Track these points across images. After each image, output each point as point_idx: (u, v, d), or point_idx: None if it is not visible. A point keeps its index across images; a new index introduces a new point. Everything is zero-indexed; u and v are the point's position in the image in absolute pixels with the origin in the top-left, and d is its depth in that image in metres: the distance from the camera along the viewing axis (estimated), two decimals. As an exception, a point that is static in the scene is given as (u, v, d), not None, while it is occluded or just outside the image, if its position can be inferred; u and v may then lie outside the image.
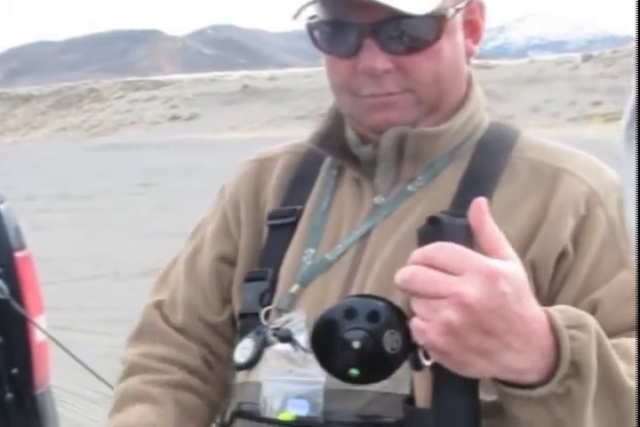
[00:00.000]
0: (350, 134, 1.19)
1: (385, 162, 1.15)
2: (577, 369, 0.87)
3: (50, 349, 2.69)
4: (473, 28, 1.17)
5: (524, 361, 0.84)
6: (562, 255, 1.08)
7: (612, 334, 1.01)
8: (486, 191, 1.11)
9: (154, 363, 1.24)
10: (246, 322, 1.18)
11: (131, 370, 1.25)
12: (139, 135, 35.65)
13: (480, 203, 0.85)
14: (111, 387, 2.67)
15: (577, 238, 1.08)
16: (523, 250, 1.07)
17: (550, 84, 32.13)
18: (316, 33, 1.14)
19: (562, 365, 0.86)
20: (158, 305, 1.29)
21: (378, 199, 1.16)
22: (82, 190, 15.91)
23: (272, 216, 1.23)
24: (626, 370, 0.93)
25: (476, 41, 1.18)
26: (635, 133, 0.62)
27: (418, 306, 0.82)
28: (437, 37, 1.10)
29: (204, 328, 1.25)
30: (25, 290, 2.49)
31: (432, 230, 0.86)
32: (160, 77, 55.93)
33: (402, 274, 0.82)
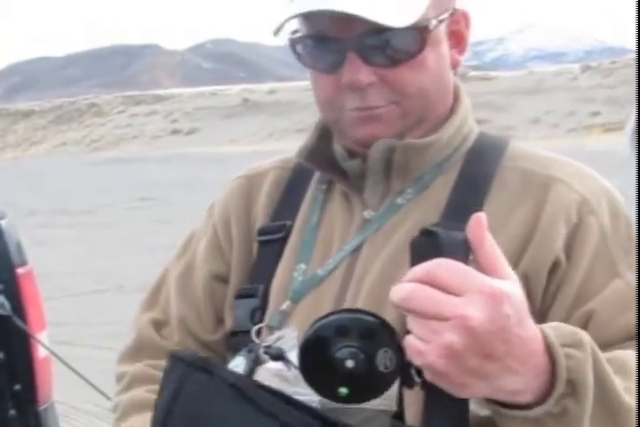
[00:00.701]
0: (338, 148, 1.18)
1: (373, 175, 1.14)
2: (573, 388, 0.86)
3: (52, 364, 2.69)
4: (458, 39, 1.16)
5: (520, 382, 0.83)
6: (554, 265, 1.07)
7: (607, 345, 1.00)
8: (476, 202, 1.10)
9: (155, 372, 1.22)
10: (238, 340, 1.17)
11: (133, 381, 1.24)
12: (140, 149, 35.67)
13: (479, 217, 0.83)
14: (110, 399, 2.67)
15: (569, 248, 1.07)
16: (515, 260, 1.06)
17: (549, 95, 32.17)
18: (299, 48, 1.13)
19: (558, 384, 0.85)
20: (154, 322, 1.27)
21: (367, 213, 1.15)
22: (83, 205, 15.91)
23: (262, 232, 1.21)
24: (622, 385, 0.92)
25: (461, 51, 1.17)
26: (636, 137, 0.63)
27: (416, 326, 0.79)
28: (421, 49, 1.08)
29: (198, 347, 1.23)
30: (27, 306, 2.49)
31: (426, 243, 0.83)
32: (160, 92, 56.06)
33: (399, 291, 0.79)
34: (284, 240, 1.19)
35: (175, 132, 40.22)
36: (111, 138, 41.69)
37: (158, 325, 1.27)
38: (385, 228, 1.13)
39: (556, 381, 0.84)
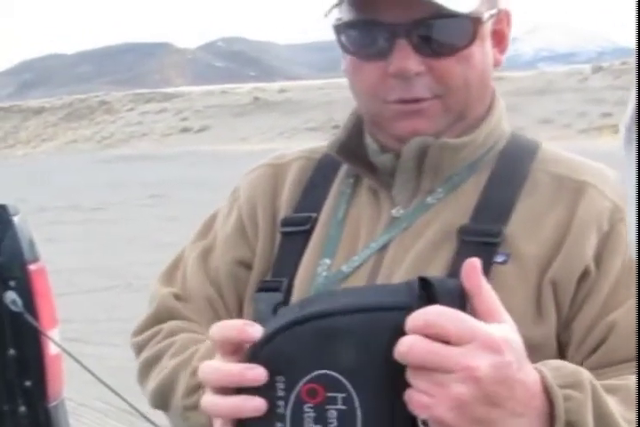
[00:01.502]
0: (370, 142, 1.16)
1: (405, 173, 1.12)
2: None
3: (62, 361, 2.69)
4: (500, 38, 1.15)
5: (524, 424, 0.81)
6: (584, 274, 1.05)
7: (623, 360, 1.00)
8: (507, 204, 1.09)
9: (196, 328, 1.19)
10: None
11: (174, 331, 1.19)
12: (150, 147, 35.73)
13: (474, 264, 0.81)
14: (123, 399, 2.68)
15: (600, 256, 1.05)
16: (544, 267, 1.05)
17: (560, 96, 32.08)
18: (344, 34, 1.10)
19: (557, 426, 0.83)
20: (175, 295, 1.24)
21: (396, 211, 1.13)
22: (93, 202, 15.94)
23: (286, 223, 1.19)
24: (625, 417, 0.90)
25: (502, 51, 1.16)
26: (634, 136, 0.62)
27: (419, 379, 0.77)
28: (471, 41, 1.07)
29: None
30: (39, 303, 2.49)
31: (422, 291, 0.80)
32: (171, 90, 56.09)
33: (399, 346, 0.77)
34: (308, 233, 1.16)
35: (185, 130, 40.24)
36: (121, 135, 41.75)
37: (179, 298, 1.24)
38: (414, 227, 1.11)
39: (555, 423, 0.83)
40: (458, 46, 1.07)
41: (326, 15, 1.07)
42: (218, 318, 1.20)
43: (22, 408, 2.52)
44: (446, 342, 0.76)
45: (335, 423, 0.78)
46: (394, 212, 1.13)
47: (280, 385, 0.78)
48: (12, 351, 2.48)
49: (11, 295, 2.41)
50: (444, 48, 1.07)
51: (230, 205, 1.28)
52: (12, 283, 2.46)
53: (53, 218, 13.57)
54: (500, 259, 1.05)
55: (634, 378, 0.97)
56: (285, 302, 1.14)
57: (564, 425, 0.84)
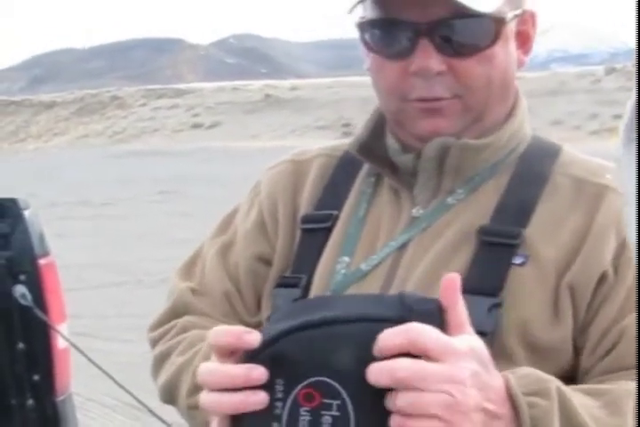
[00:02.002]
0: (391, 142, 1.16)
1: (425, 172, 1.13)
2: None
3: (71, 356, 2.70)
4: (524, 39, 1.15)
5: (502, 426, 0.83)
6: (602, 279, 1.05)
7: (632, 366, 1.00)
8: (527, 206, 1.09)
9: (209, 323, 1.19)
10: None
11: (186, 328, 1.21)
12: (161, 143, 35.78)
13: (453, 279, 0.82)
14: (130, 393, 2.68)
15: (618, 262, 1.05)
16: (562, 271, 1.05)
17: (572, 97, 31.99)
18: (367, 33, 1.11)
19: None
20: (192, 290, 1.25)
21: (416, 211, 1.14)
22: (103, 197, 15.98)
23: (306, 220, 1.20)
24: (604, 422, 0.91)
25: (526, 52, 1.16)
26: (634, 136, 0.62)
27: (406, 401, 0.77)
28: (494, 42, 1.07)
29: (236, 324, 1.21)
30: (48, 297, 2.49)
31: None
32: (182, 86, 56.15)
33: (393, 371, 0.77)
34: (328, 230, 1.17)
35: (196, 126, 40.28)
36: (133, 131, 41.81)
37: (196, 293, 1.25)
38: (433, 227, 1.12)
39: None
40: (480, 46, 1.07)
41: (350, 12, 1.08)
42: (235, 312, 1.22)
43: (30, 402, 2.52)
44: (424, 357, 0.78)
45: None
46: (414, 211, 1.14)
47: (279, 387, 0.80)
48: (20, 345, 2.49)
49: (20, 289, 2.41)
50: (466, 48, 1.07)
51: (251, 200, 1.28)
52: (21, 277, 2.47)
53: (63, 213, 13.60)
54: (518, 261, 1.06)
55: (627, 384, 0.98)
56: (303, 298, 1.15)
57: None
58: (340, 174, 1.22)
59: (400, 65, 1.09)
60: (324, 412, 0.80)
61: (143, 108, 46.18)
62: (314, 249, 1.17)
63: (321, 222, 1.18)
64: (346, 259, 1.14)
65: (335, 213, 1.18)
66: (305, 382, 0.80)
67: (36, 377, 2.52)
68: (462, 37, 1.06)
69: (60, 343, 2.54)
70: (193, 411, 1.12)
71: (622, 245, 1.05)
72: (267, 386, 0.80)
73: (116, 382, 2.48)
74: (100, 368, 2.35)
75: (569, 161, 1.15)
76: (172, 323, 1.23)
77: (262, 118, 38.60)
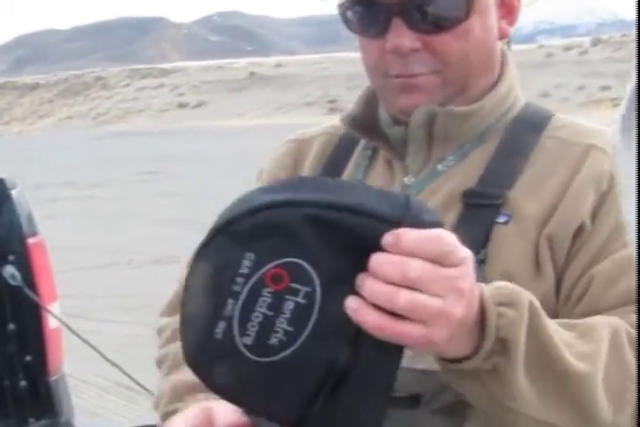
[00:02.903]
0: (383, 115, 1.20)
1: (415, 142, 1.15)
2: (503, 346, 0.86)
3: (62, 336, 2.68)
4: (508, 9, 1.16)
5: (461, 336, 0.82)
6: (579, 229, 1.07)
7: (608, 308, 1.02)
8: (515, 170, 1.11)
9: None
10: None
11: (176, 334, 1.24)
12: (146, 123, 35.66)
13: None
14: (124, 372, 2.67)
15: (595, 214, 1.08)
16: (542, 225, 1.08)
17: (559, 69, 32.00)
18: (348, 14, 1.14)
19: (486, 342, 0.84)
20: None
21: (408, 179, 1.16)
22: (90, 179, 15.93)
23: None
24: (578, 350, 0.92)
25: (511, 22, 1.17)
26: (634, 124, 0.61)
27: (409, 300, 0.74)
28: (467, 16, 1.09)
29: None
30: (38, 277, 2.48)
31: None
32: (167, 65, 55.91)
33: (406, 268, 0.74)
34: None
35: (182, 105, 40.16)
36: (117, 111, 41.66)
37: None
38: (423, 194, 1.14)
39: (485, 338, 0.84)
40: (452, 22, 1.09)
41: None
42: None
43: (23, 383, 2.51)
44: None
45: (288, 315, 0.75)
46: (406, 180, 1.16)
47: (246, 263, 0.75)
48: (11, 326, 2.48)
49: (9, 270, 2.39)
50: (439, 24, 1.09)
51: (255, 183, 1.31)
52: (10, 257, 2.45)
53: (51, 195, 13.55)
54: (502, 219, 1.08)
55: (603, 318, 0.99)
56: None
57: (495, 342, 0.85)
58: (340, 151, 1.26)
59: (378, 44, 1.12)
60: (288, 296, 0.74)
61: (127, 88, 45.98)
62: None
63: None
64: None
65: None
66: (277, 262, 0.74)
67: (27, 358, 2.50)
68: (434, 14, 1.08)
69: (51, 323, 2.53)
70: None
71: (601, 198, 1.08)
72: (234, 257, 0.74)
73: (110, 361, 2.46)
74: (94, 348, 2.34)
75: (559, 125, 1.17)
76: (166, 323, 1.27)
77: (248, 96, 38.50)
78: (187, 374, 1.16)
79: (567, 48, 36.75)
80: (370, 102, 1.21)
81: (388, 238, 0.74)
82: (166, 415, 1.13)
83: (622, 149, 0.61)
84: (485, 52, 1.14)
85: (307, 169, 1.26)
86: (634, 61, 0.62)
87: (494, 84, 1.17)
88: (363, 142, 1.24)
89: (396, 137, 1.17)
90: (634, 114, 0.60)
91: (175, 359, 1.20)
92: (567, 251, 1.07)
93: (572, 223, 1.07)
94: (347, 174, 1.22)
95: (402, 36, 1.09)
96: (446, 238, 0.77)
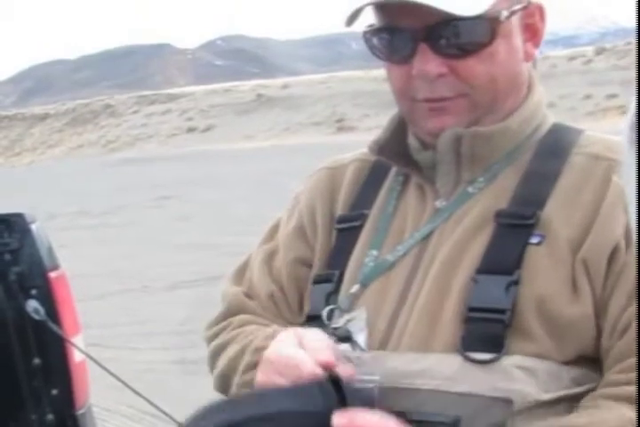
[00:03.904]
0: (412, 141, 1.21)
1: (444, 165, 1.17)
2: None
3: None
4: (532, 32, 1.17)
5: None
6: (614, 252, 1.07)
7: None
8: (544, 190, 1.12)
9: (263, 320, 1.26)
10: (313, 324, 1.19)
11: (241, 324, 1.26)
12: (156, 149, 35.80)
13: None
14: (148, 401, 2.66)
15: (629, 235, 1.07)
16: (576, 248, 1.08)
17: (564, 80, 32.00)
18: (373, 40, 1.16)
19: None
20: (244, 293, 1.31)
21: (439, 203, 1.18)
22: (102, 206, 15.98)
23: (341, 220, 1.26)
24: None
25: (535, 44, 1.19)
26: (635, 137, 0.61)
27: None
28: (491, 40, 1.10)
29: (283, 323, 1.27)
30: (61, 310, 2.48)
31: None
32: (174, 90, 56.20)
33: None
34: (360, 228, 1.22)
35: (191, 130, 40.33)
36: (127, 138, 41.86)
37: (248, 296, 1.30)
38: (455, 216, 1.16)
39: None
40: (477, 46, 1.11)
41: (348, 24, 1.13)
42: (279, 311, 1.28)
43: (50, 417, 2.51)
44: None
45: None
46: (437, 203, 1.18)
47: None
48: (37, 360, 2.48)
49: (33, 304, 2.40)
50: (464, 49, 1.11)
51: (292, 209, 1.34)
52: (33, 292, 2.46)
53: (64, 224, 13.59)
54: (535, 240, 1.09)
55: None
56: (336, 291, 1.20)
57: None
58: (373, 176, 1.28)
59: (404, 69, 1.14)
60: None
61: (136, 115, 46.22)
62: (346, 246, 1.23)
63: (354, 221, 1.24)
64: (374, 252, 1.19)
65: (366, 211, 1.24)
66: None
67: (54, 391, 2.50)
68: (458, 39, 1.10)
69: (76, 356, 2.53)
70: (244, 389, 1.16)
71: None
72: None
73: (133, 390, 2.46)
74: (117, 378, 2.34)
75: (589, 142, 1.17)
76: (229, 321, 1.28)
77: (256, 118, 38.63)
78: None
79: (571, 58, 36.78)
80: (398, 129, 1.23)
81: (340, 422, 0.89)
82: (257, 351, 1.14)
83: (628, 161, 0.61)
84: (511, 74, 1.15)
85: (343, 194, 1.28)
86: (635, 71, 0.62)
87: (521, 104, 1.18)
88: (395, 168, 1.25)
89: (426, 161, 1.18)
90: (637, 125, 0.60)
91: (248, 333, 1.22)
92: (604, 275, 1.07)
93: (607, 246, 1.07)
94: (380, 199, 1.24)
95: (428, 62, 1.10)
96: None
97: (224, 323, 1.29)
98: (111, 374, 2.23)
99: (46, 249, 2.52)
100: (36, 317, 2.37)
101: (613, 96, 29.07)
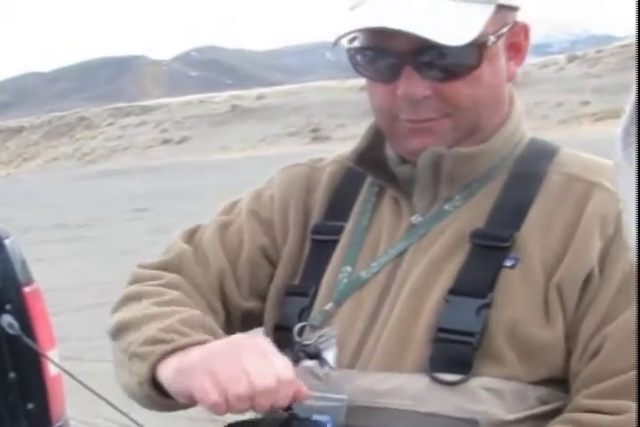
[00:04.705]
0: (390, 153, 1.20)
1: (422, 181, 1.16)
2: None
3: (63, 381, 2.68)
4: (516, 51, 1.17)
5: None
6: (588, 279, 1.07)
7: (615, 372, 1.03)
8: (521, 209, 1.12)
9: (198, 297, 1.22)
10: (280, 336, 1.19)
11: (171, 285, 1.22)
12: (132, 161, 35.63)
13: None
14: (124, 414, 2.66)
15: (603, 262, 1.07)
16: (550, 272, 1.08)
17: (537, 87, 32.18)
18: (357, 58, 1.14)
19: None
20: (194, 256, 1.26)
21: (415, 218, 1.17)
22: (79, 219, 15.87)
23: (316, 231, 1.24)
24: None
25: (518, 63, 1.18)
26: (634, 140, 0.62)
27: None
28: (477, 65, 1.10)
29: (223, 307, 1.24)
30: (36, 325, 2.48)
31: None
32: (149, 102, 56.01)
33: None
34: (336, 242, 1.21)
35: (166, 141, 40.18)
36: (103, 150, 41.63)
37: (195, 258, 1.26)
38: (430, 234, 1.15)
39: None
40: (464, 70, 1.10)
41: (334, 45, 1.10)
42: (221, 290, 1.24)
43: (26, 431, 2.51)
44: None
45: None
46: (413, 219, 1.17)
47: None
48: (12, 375, 2.48)
49: (7, 319, 2.39)
50: (450, 72, 1.10)
51: (260, 191, 1.30)
52: (7, 306, 2.46)
53: (41, 237, 13.49)
54: (509, 263, 1.09)
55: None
56: (310, 306, 1.19)
57: None
58: (348, 183, 1.26)
59: (388, 88, 1.12)
60: None
61: (111, 127, 46.00)
62: (321, 259, 1.21)
63: (330, 234, 1.22)
64: (348, 268, 1.18)
65: (344, 224, 1.22)
66: None
67: (30, 406, 2.50)
68: (445, 63, 1.09)
69: (51, 370, 2.53)
70: (136, 359, 1.11)
71: (607, 246, 1.07)
72: None
73: (112, 405, 2.47)
74: (93, 392, 2.34)
75: (566, 160, 1.16)
76: (161, 273, 1.24)
77: (231, 130, 38.55)
78: (195, 312, 1.14)
79: (543, 66, 37.01)
80: (376, 139, 1.21)
81: None
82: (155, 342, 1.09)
83: (624, 165, 0.61)
84: (495, 95, 1.14)
85: (318, 199, 1.26)
86: (634, 76, 0.64)
87: (502, 124, 1.17)
88: (370, 177, 1.24)
89: (404, 175, 1.17)
90: (634, 129, 0.60)
91: (175, 299, 1.17)
92: (577, 300, 1.07)
93: (581, 272, 1.07)
94: (355, 211, 1.22)
95: (414, 84, 1.09)
96: None
97: (155, 272, 1.25)
98: (86, 387, 2.23)
99: (20, 264, 2.52)
100: (11, 331, 2.37)
101: (586, 103, 29.27)
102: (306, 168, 1.30)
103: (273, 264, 1.26)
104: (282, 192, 1.28)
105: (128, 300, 1.21)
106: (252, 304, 1.25)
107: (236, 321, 1.25)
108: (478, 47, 1.08)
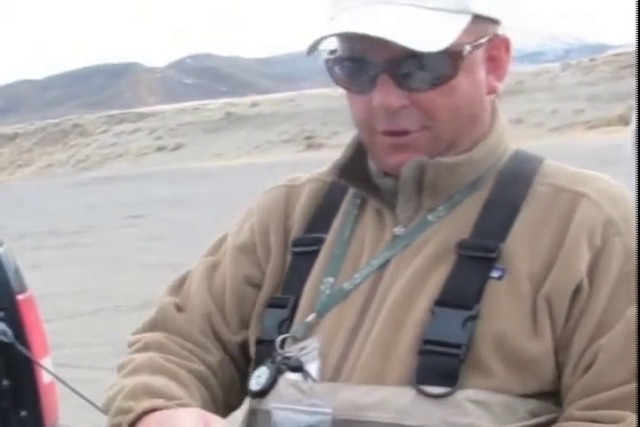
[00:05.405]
0: (372, 165, 1.19)
1: (405, 192, 1.15)
2: None
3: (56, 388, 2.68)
4: (496, 64, 1.15)
5: None
6: (577, 290, 1.06)
7: (610, 385, 1.03)
8: (506, 220, 1.11)
9: (177, 347, 1.21)
10: (262, 349, 1.18)
11: (148, 346, 1.22)
12: (126, 168, 35.62)
13: None
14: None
15: (592, 273, 1.07)
16: (538, 284, 1.07)
17: (531, 95, 32.27)
18: (335, 69, 1.14)
19: None
20: (176, 305, 1.27)
21: (398, 230, 1.16)
22: (73, 226, 15.86)
23: (296, 243, 1.23)
24: None
25: (498, 77, 1.16)
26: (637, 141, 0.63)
27: None
28: (453, 74, 1.09)
29: (216, 346, 1.23)
30: (29, 332, 2.48)
31: None
32: (143, 109, 56.02)
33: None
34: (317, 253, 1.20)
35: (160, 148, 40.16)
36: (97, 157, 41.60)
37: (179, 309, 1.27)
38: (414, 244, 1.14)
39: None
40: (439, 79, 1.09)
41: (309, 53, 1.10)
42: (214, 331, 1.24)
43: (19, 438, 2.50)
44: None
45: None
46: (396, 230, 1.16)
47: None
48: (5, 382, 2.48)
49: (0, 326, 2.40)
50: (426, 82, 1.09)
51: (242, 223, 1.30)
52: (0, 314, 2.46)
53: (35, 244, 13.48)
54: (496, 274, 1.08)
55: None
56: (290, 318, 1.18)
57: None
58: (330, 198, 1.25)
59: (365, 100, 1.12)
60: None
61: (105, 134, 45.98)
62: (302, 271, 1.20)
63: (310, 245, 1.21)
64: (330, 279, 1.17)
65: (323, 235, 1.21)
66: None
67: (23, 413, 2.50)
68: (420, 73, 1.08)
69: (44, 378, 2.53)
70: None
71: (596, 257, 1.07)
72: None
73: (104, 412, 2.46)
74: (86, 399, 2.34)
75: (550, 172, 1.16)
76: (141, 336, 1.25)
77: (225, 137, 38.56)
78: (153, 381, 1.13)
79: (537, 74, 37.10)
80: (359, 150, 1.20)
81: None
82: (120, 412, 1.10)
83: (634, 164, 0.62)
84: (474, 107, 1.13)
85: (297, 216, 1.25)
86: (627, 84, 0.64)
87: (485, 135, 1.17)
88: (352, 190, 1.23)
89: (387, 187, 1.16)
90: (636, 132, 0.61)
91: (140, 365, 1.17)
92: (567, 313, 1.06)
93: (570, 284, 1.06)
94: (337, 223, 1.21)
95: (389, 94, 1.08)
96: None
97: (138, 336, 1.26)
98: (78, 394, 2.23)
99: (14, 271, 2.52)
100: (4, 339, 2.37)
101: (580, 111, 29.35)
102: (284, 189, 1.30)
103: (260, 287, 1.25)
104: (260, 219, 1.28)
105: (117, 371, 1.23)
106: (244, 335, 1.24)
107: (237, 355, 1.25)
108: (453, 56, 1.08)
